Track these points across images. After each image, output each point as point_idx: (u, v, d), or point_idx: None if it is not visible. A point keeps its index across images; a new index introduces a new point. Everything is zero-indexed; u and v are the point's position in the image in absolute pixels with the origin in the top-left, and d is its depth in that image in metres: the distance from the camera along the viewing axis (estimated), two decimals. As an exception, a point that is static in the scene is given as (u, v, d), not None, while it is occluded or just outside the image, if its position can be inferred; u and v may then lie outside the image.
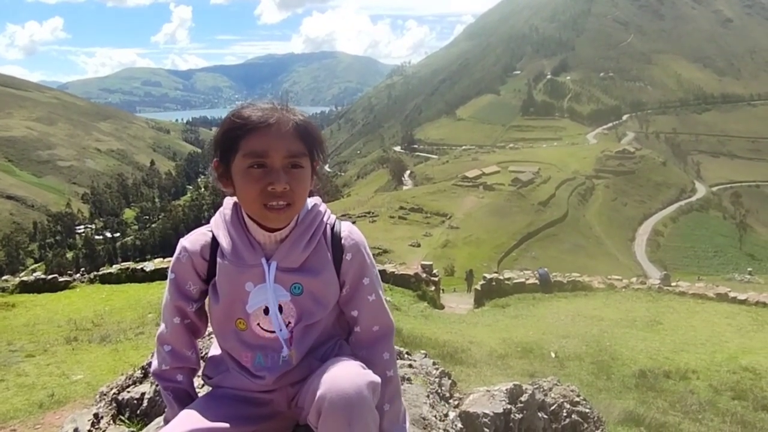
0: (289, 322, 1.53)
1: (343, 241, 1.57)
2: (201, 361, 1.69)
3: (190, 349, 1.63)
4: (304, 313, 1.53)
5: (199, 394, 1.66)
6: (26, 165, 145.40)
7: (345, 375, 1.37)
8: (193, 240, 1.57)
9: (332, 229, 1.58)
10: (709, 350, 10.15)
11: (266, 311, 1.52)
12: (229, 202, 1.57)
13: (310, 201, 1.57)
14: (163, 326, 1.62)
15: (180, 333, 1.60)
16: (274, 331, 1.52)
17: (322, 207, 1.60)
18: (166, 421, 1.58)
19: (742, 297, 14.22)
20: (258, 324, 1.53)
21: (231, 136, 1.44)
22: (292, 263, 1.51)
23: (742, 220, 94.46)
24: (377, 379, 1.42)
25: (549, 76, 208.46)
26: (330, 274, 1.55)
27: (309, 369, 1.51)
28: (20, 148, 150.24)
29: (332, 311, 1.58)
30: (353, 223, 1.66)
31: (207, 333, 1.79)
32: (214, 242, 1.54)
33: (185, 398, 1.61)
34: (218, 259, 1.52)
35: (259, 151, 1.41)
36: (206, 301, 1.62)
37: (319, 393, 1.35)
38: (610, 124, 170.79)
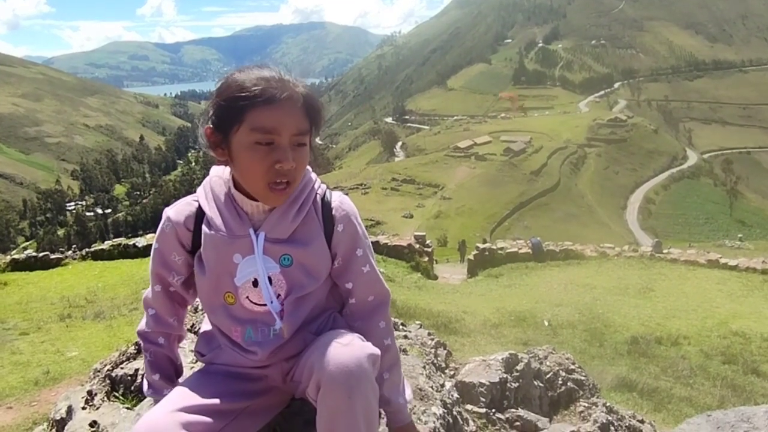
0: (279, 295, 1.47)
1: (334, 212, 1.51)
2: (187, 330, 1.65)
3: (173, 317, 1.60)
4: (294, 285, 1.47)
5: (192, 371, 1.63)
6: (13, 142, 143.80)
7: (344, 348, 1.34)
8: (178, 210, 1.50)
9: (323, 199, 1.52)
10: (700, 316, 10.28)
11: (255, 284, 1.46)
12: (216, 170, 1.51)
13: None
14: (149, 290, 1.60)
15: (162, 300, 1.57)
16: (264, 305, 1.46)
17: (312, 176, 1.53)
18: (148, 384, 1.61)
19: (732, 263, 14.36)
20: (247, 297, 1.47)
21: (235, 106, 1.34)
22: (280, 234, 1.45)
23: (732, 187, 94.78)
24: (377, 351, 1.38)
25: (540, 45, 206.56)
26: (320, 245, 1.48)
27: (303, 343, 1.47)
28: (7, 124, 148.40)
29: (324, 284, 1.53)
30: (345, 194, 1.60)
31: (200, 309, 1.75)
32: (200, 212, 1.48)
33: (164, 362, 1.61)
34: (204, 230, 1.45)
35: (269, 128, 1.33)
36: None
37: (318, 366, 1.32)
38: (602, 92, 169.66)
